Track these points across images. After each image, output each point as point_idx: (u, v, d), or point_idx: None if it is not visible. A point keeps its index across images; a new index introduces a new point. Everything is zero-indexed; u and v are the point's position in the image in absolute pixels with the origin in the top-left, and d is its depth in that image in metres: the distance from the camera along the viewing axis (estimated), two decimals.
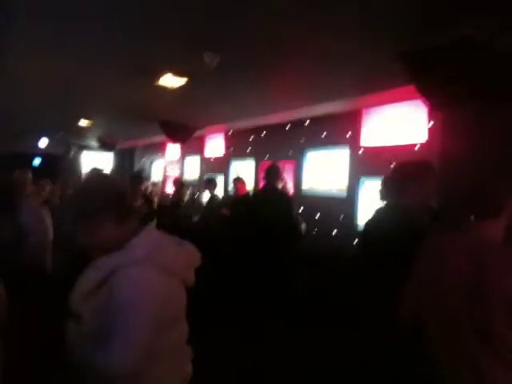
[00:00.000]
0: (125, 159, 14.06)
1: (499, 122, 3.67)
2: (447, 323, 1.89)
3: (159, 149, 12.00)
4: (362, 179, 5.79)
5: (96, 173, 4.49)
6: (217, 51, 4.12)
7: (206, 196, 8.09)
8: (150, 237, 1.74)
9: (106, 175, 1.91)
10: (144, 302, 1.58)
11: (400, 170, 2.82)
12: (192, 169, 10.39)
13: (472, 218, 1.94)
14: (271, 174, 5.06)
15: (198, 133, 8.85)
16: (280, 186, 5.21)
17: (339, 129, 6.18)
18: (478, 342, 1.80)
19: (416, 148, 5.01)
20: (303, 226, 5.73)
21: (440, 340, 1.94)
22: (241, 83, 5.15)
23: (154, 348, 1.61)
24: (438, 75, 3.51)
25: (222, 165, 9.06)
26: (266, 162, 7.64)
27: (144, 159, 13.01)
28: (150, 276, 1.62)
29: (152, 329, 1.59)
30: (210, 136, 9.63)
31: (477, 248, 1.87)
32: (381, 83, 4.63)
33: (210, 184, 7.39)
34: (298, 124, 6.92)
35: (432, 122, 4.88)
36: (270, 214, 4.76)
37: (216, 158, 9.41)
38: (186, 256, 1.79)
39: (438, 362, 1.93)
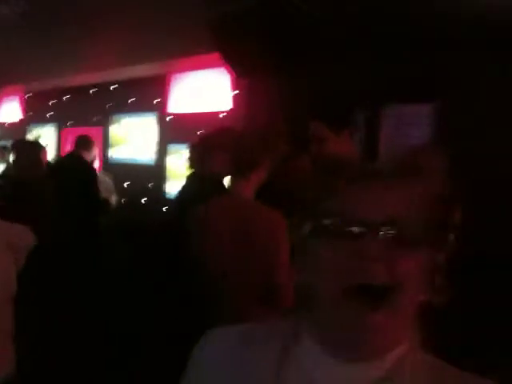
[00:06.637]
0: None
1: (297, 89, 3.91)
2: (223, 281, 1.97)
3: None
4: (170, 146, 5.78)
5: None
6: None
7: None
8: None
9: None
10: None
11: (205, 139, 2.82)
12: None
13: (233, 176, 2.04)
14: (80, 143, 4.80)
15: None
16: (88, 157, 4.97)
17: (147, 95, 6.03)
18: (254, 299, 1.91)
19: (221, 116, 5.15)
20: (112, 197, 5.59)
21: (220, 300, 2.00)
22: (39, 39, 4.70)
23: None
24: (241, 42, 3.60)
25: (18, 131, 8.16)
26: (70, 129, 7.16)
27: None
28: None
29: None
30: (5, 99, 8.64)
31: (239, 208, 1.96)
32: (187, 48, 4.61)
33: (4, 152, 6.60)
34: (104, 88, 6.54)
35: (237, 91, 5.05)
36: (68, 183, 4.46)
37: (11, 124, 8.48)
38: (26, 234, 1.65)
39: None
